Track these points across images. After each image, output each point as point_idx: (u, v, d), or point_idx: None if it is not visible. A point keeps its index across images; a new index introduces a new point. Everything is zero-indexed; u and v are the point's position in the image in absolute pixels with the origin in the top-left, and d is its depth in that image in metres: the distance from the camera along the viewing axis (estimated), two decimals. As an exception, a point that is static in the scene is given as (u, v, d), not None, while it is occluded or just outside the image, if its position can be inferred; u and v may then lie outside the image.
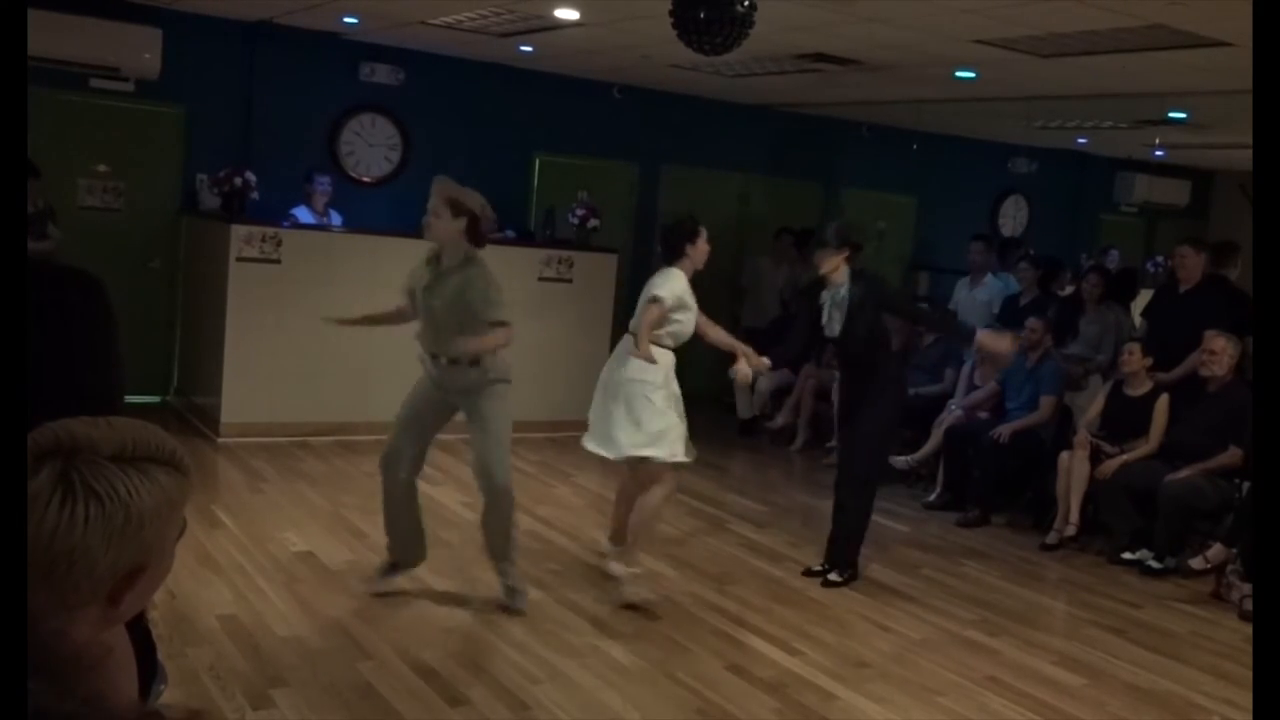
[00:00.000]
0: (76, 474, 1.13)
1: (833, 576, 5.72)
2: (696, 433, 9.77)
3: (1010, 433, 7.17)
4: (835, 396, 8.33)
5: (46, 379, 1.73)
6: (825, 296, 5.63)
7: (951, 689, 4.50)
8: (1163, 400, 6.64)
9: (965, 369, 8.00)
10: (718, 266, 11.09)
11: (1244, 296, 6.78)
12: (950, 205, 12.38)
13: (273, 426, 7.77)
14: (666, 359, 5.15)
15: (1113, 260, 11.47)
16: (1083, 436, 6.81)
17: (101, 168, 8.58)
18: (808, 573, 5.80)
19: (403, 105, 9.54)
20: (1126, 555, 6.43)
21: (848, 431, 5.86)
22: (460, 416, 4.91)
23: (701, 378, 11.14)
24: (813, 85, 9.20)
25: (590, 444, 5.29)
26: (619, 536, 5.47)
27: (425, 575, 5.36)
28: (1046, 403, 7.31)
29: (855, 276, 5.58)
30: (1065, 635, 5.33)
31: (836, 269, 5.57)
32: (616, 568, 5.22)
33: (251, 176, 8.13)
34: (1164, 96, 8.46)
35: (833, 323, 5.62)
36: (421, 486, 6.34)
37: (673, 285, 5.14)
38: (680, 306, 5.15)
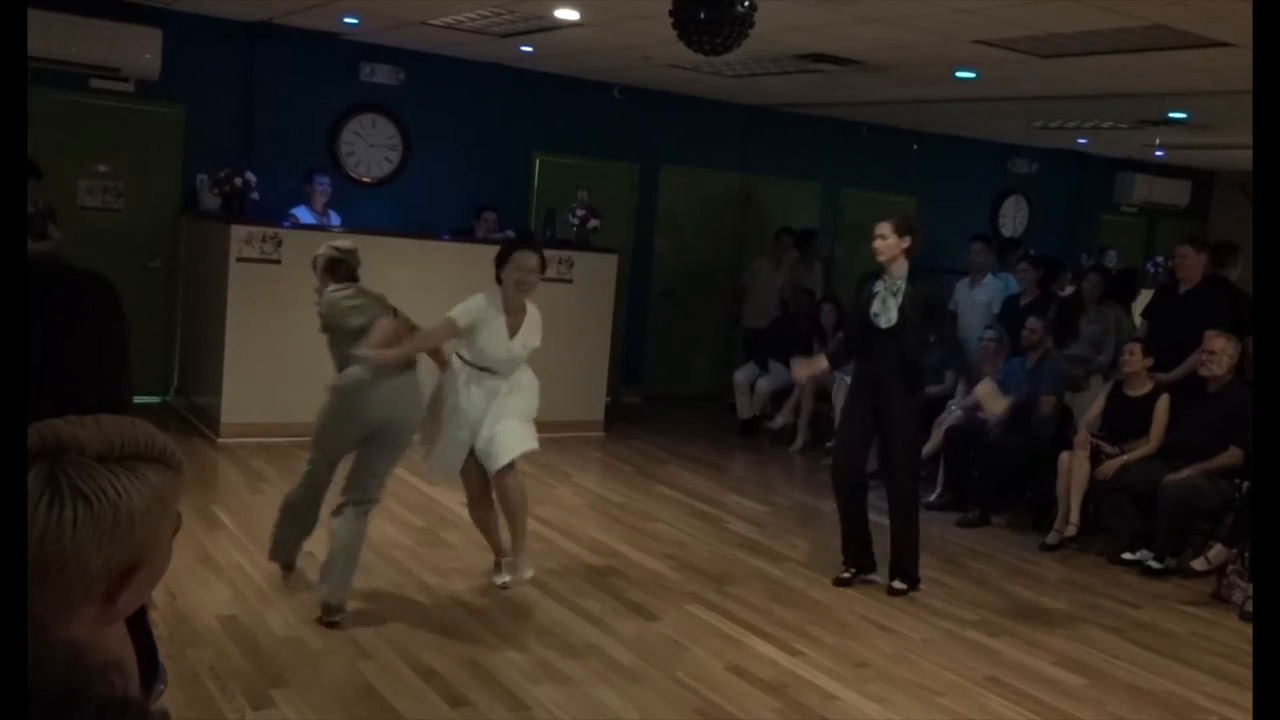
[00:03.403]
0: (63, 475, 1.13)
1: (899, 584, 5.66)
2: (698, 433, 9.73)
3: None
4: (840, 398, 8.31)
5: (56, 380, 1.73)
6: (880, 286, 5.56)
7: (952, 689, 4.49)
8: (1163, 400, 6.64)
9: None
10: (718, 266, 11.25)
11: (1244, 297, 6.78)
12: (950, 205, 12.38)
13: (273, 426, 7.76)
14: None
15: (1111, 260, 11.47)
16: (1083, 437, 6.81)
17: (101, 168, 8.58)
18: (841, 582, 5.73)
19: (403, 105, 9.54)
20: (1127, 555, 6.43)
21: (885, 436, 5.69)
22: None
23: (703, 378, 11.20)
24: (813, 85, 9.20)
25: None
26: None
27: (425, 575, 5.37)
28: (1046, 403, 7.30)
29: (914, 273, 5.51)
30: (1065, 635, 5.33)
31: (895, 259, 5.51)
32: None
33: (251, 176, 8.13)
34: (1164, 97, 8.46)
35: (888, 312, 5.52)
36: (422, 487, 6.35)
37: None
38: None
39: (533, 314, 5.21)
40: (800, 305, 9.94)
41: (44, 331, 1.71)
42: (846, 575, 5.76)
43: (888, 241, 5.53)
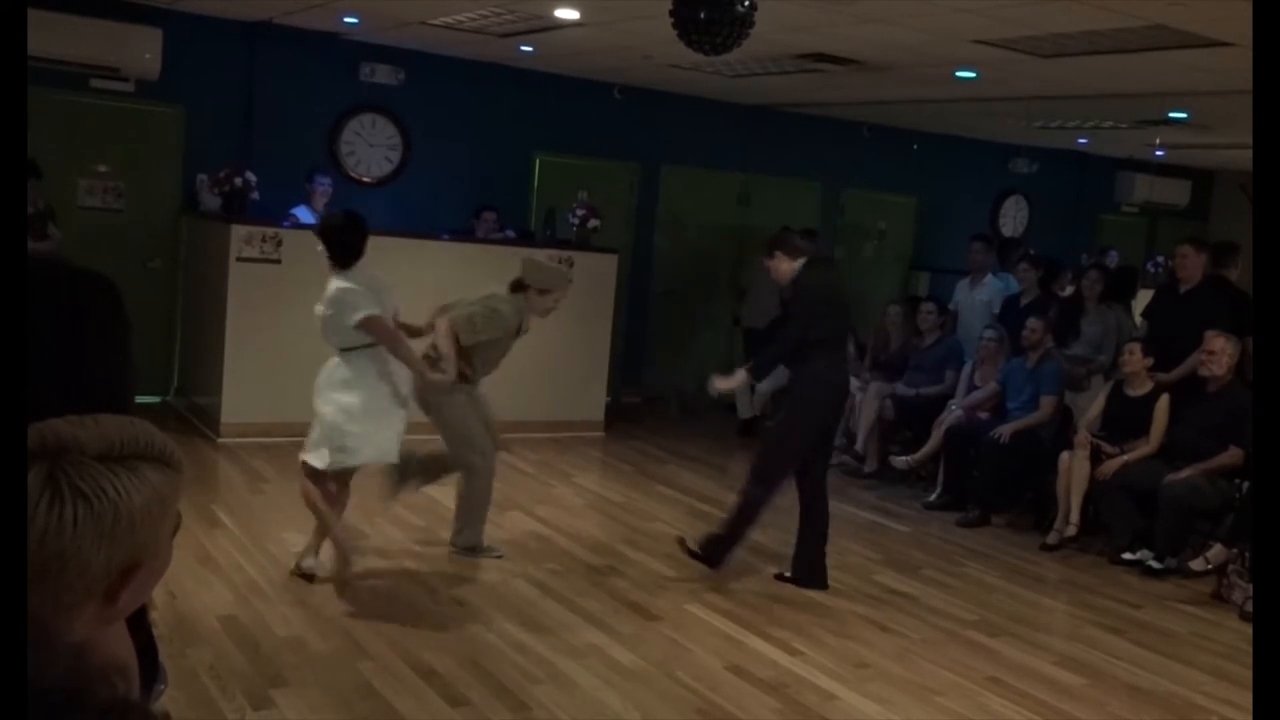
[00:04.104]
0: (63, 475, 1.13)
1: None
2: (698, 433, 9.72)
3: (1010, 433, 7.17)
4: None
5: (59, 380, 1.72)
6: None
7: (952, 689, 4.50)
8: (1163, 400, 6.64)
9: (966, 369, 8.00)
10: (718, 266, 11.24)
11: (1244, 296, 6.78)
12: (950, 205, 12.38)
13: (273, 426, 7.76)
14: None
15: (1112, 261, 11.46)
16: (1083, 437, 6.81)
17: (102, 168, 8.58)
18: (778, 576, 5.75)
19: (403, 105, 9.54)
20: (1127, 555, 6.42)
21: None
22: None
23: (704, 378, 11.19)
24: (813, 85, 9.20)
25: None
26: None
27: (426, 575, 5.37)
28: (1047, 403, 7.30)
29: (806, 266, 5.58)
30: (1066, 636, 5.33)
31: (780, 275, 5.60)
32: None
33: (252, 176, 8.13)
34: (1164, 96, 8.46)
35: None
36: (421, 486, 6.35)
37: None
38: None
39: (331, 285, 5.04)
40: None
41: (47, 331, 1.71)
42: (785, 575, 5.73)
43: (769, 265, 5.67)
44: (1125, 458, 6.56)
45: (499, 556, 5.69)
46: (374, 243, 8.11)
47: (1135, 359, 6.78)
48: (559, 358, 8.66)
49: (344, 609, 4.86)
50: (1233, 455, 6.20)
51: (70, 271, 1.95)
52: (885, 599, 5.57)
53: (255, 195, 8.19)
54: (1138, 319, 8.01)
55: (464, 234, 8.90)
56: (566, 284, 5.75)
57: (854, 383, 8.62)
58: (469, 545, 5.67)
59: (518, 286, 5.59)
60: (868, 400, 8.32)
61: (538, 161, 10.32)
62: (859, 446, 8.33)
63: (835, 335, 5.59)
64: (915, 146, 11.81)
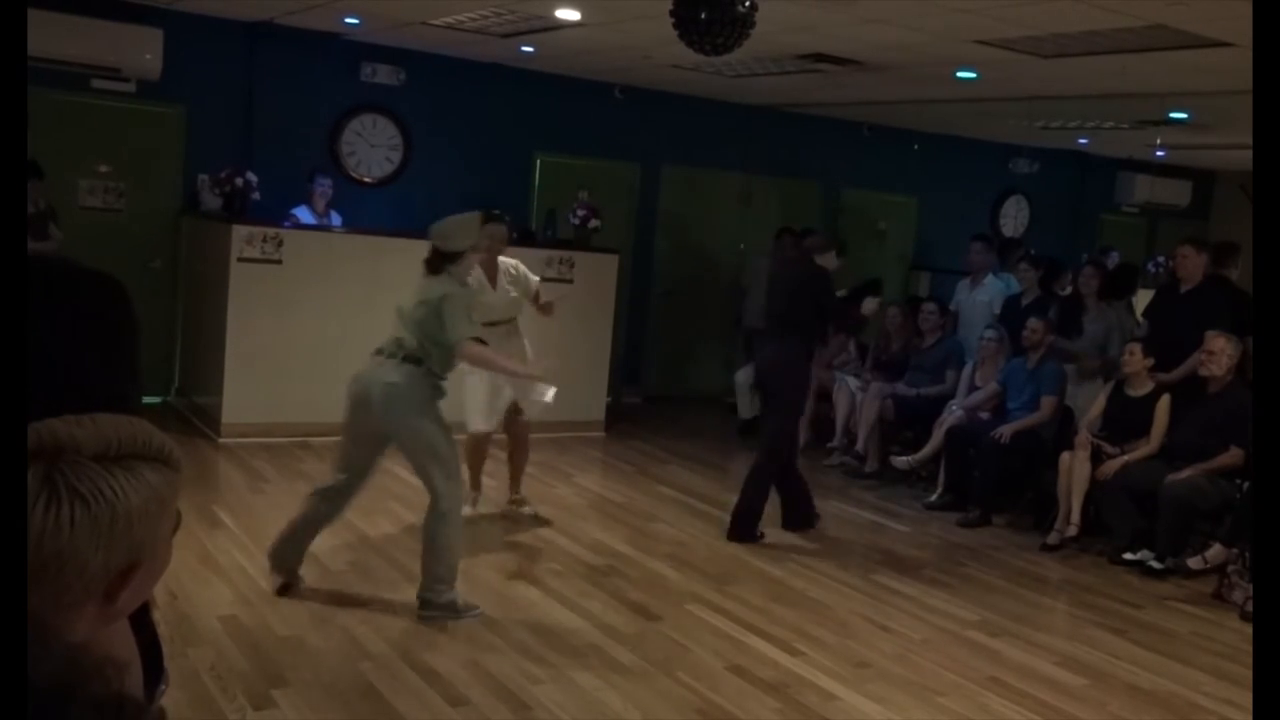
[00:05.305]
0: (60, 476, 1.12)
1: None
2: (698, 433, 9.71)
3: (1011, 433, 7.17)
4: (840, 398, 8.88)
5: (63, 382, 1.72)
6: None
7: (952, 689, 4.50)
8: (1164, 400, 6.64)
9: (966, 370, 8.00)
10: (718, 266, 11.24)
11: (1245, 297, 6.78)
12: (950, 205, 12.37)
13: (273, 426, 7.77)
14: None
15: (1113, 261, 11.45)
16: (1084, 437, 6.80)
17: (102, 168, 8.58)
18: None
19: (403, 105, 9.55)
20: (1127, 555, 6.42)
21: None
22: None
23: (704, 378, 11.19)
24: (813, 85, 9.20)
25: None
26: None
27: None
28: (1047, 403, 7.30)
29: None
30: (1066, 636, 5.33)
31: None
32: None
33: (252, 177, 8.13)
34: (1164, 96, 8.46)
35: None
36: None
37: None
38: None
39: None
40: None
41: (54, 332, 1.71)
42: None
43: None
44: (1126, 458, 6.56)
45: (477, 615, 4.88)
46: (374, 243, 8.23)
47: (1135, 359, 6.77)
48: (559, 358, 8.66)
49: (345, 609, 4.86)
50: (1233, 455, 6.20)
51: (78, 271, 1.95)
52: (885, 599, 5.57)
53: (256, 195, 8.20)
54: (1139, 317, 8.00)
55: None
56: (480, 228, 5.19)
57: (854, 382, 8.68)
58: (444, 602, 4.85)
59: (440, 263, 4.91)
60: (868, 400, 8.32)
61: (538, 161, 10.32)
62: (860, 446, 8.33)
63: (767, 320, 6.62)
64: (915, 146, 11.82)
